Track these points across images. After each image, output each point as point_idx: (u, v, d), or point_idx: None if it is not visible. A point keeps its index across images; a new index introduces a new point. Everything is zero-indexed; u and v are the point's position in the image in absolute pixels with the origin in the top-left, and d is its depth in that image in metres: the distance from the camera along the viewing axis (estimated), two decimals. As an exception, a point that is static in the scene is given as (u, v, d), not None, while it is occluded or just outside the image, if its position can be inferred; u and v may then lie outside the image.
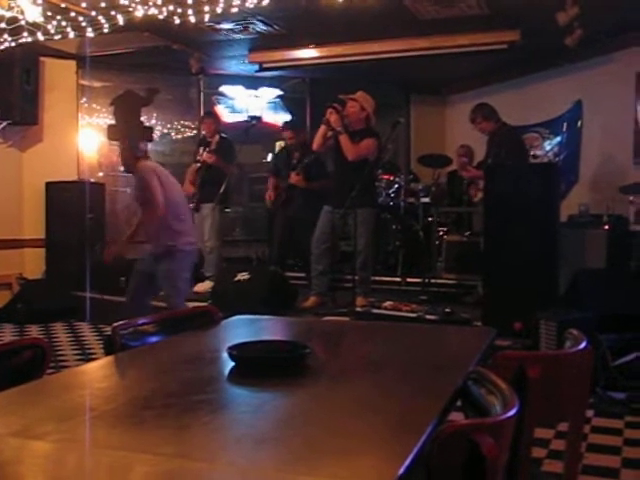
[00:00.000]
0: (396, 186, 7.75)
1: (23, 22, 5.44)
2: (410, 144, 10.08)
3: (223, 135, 7.49)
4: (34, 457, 1.31)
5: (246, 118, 9.08)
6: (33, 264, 7.93)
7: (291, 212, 7.29)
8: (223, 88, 9.32)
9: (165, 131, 9.17)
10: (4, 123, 7.49)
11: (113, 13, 5.50)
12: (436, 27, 6.94)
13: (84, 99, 8.40)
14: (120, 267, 7.38)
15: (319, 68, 8.32)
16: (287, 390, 1.74)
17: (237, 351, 1.90)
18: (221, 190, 7.05)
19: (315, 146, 6.19)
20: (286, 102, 9.61)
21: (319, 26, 6.92)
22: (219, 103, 9.33)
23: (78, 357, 5.64)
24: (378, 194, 7.44)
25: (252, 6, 5.47)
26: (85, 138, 8.44)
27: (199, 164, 7.30)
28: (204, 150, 7.31)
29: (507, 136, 6.17)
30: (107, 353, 2.12)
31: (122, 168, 4.85)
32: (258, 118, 8.56)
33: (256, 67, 8.35)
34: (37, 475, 1.23)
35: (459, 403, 1.63)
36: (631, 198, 6.27)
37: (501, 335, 2.73)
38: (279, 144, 8.39)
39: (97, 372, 2.01)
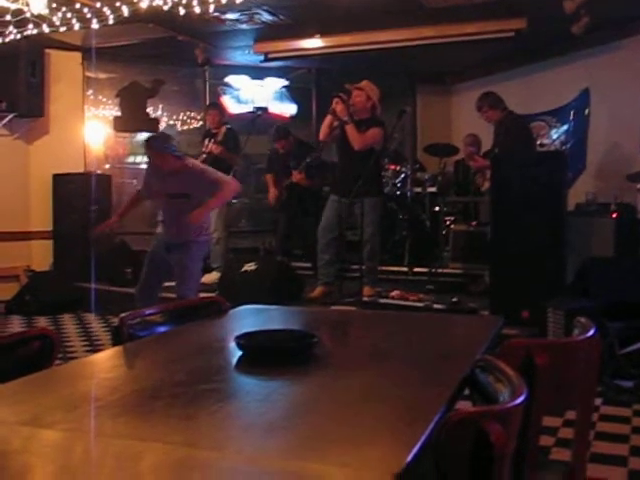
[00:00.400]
0: (402, 176, 7.74)
1: (28, 14, 5.44)
2: (416, 133, 10.05)
3: (228, 126, 7.49)
4: (43, 446, 1.32)
5: (252, 109, 9.05)
6: (40, 256, 7.95)
7: (292, 211, 7.38)
8: (229, 79, 9.30)
9: (171, 122, 9.16)
10: (10, 115, 7.50)
11: (118, 4, 5.49)
12: (442, 15, 6.91)
13: (90, 91, 8.40)
14: (126, 258, 7.43)
15: (325, 58, 8.30)
16: (295, 379, 1.74)
17: (245, 340, 1.90)
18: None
19: (321, 136, 6.17)
20: (292, 92, 9.59)
21: (325, 16, 6.90)
22: (225, 94, 9.31)
23: (86, 348, 5.66)
24: (385, 184, 7.44)
25: (257, -4, 5.46)
26: (91, 130, 8.45)
27: (205, 155, 7.30)
28: (209, 141, 7.32)
29: (514, 125, 6.14)
30: (115, 343, 2.13)
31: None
32: (264, 109, 8.54)
33: (261, 57, 8.32)
34: (46, 464, 1.24)
35: (467, 392, 1.63)
36: (639, 186, 6.24)
37: (508, 324, 2.73)
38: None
39: (105, 362, 2.01)
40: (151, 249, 5.14)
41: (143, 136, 8.84)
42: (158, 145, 4.89)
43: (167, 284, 5.23)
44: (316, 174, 7.34)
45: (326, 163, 7.39)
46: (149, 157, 5.14)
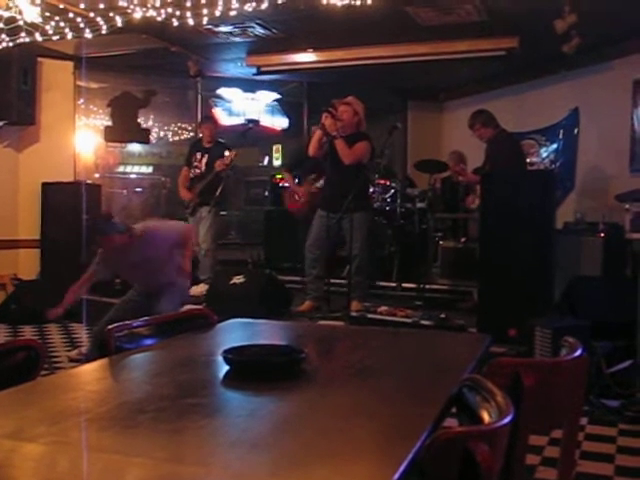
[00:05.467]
0: (392, 191, 7.75)
1: (21, 22, 5.43)
2: (407, 149, 10.09)
3: (221, 140, 7.49)
4: (26, 459, 1.31)
5: (243, 121, 9.08)
6: (28, 265, 7.91)
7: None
8: (221, 91, 9.31)
9: (162, 133, 9.15)
10: (1, 123, 7.49)
11: (111, 14, 5.49)
12: (435, 33, 6.96)
13: (81, 100, 8.39)
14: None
15: (317, 72, 8.33)
16: (282, 394, 1.73)
17: (232, 355, 1.90)
18: (217, 193, 7.05)
19: (311, 151, 6.17)
20: (284, 106, 9.61)
21: (317, 30, 6.93)
22: (216, 106, 9.32)
23: (72, 359, 5.62)
24: (374, 199, 7.45)
25: (251, 9, 5.47)
26: (82, 139, 8.43)
27: (198, 171, 7.28)
28: (202, 157, 7.30)
29: (505, 143, 6.18)
30: (100, 355, 2.11)
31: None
32: (255, 121, 8.56)
33: (254, 70, 8.35)
34: (29, 477, 1.23)
35: (454, 409, 1.63)
36: (627, 206, 6.27)
37: (496, 341, 2.73)
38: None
39: (91, 374, 2.00)
40: (129, 297, 5.03)
41: (134, 146, 8.88)
42: (101, 229, 4.71)
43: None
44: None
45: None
46: (98, 245, 4.89)
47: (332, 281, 6.10)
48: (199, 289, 6.96)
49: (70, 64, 8.14)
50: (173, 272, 4.96)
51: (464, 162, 7.50)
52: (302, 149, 7.43)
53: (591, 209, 6.89)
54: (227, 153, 7.14)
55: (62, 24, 5.65)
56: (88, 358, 4.59)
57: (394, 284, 7.16)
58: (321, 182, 7.04)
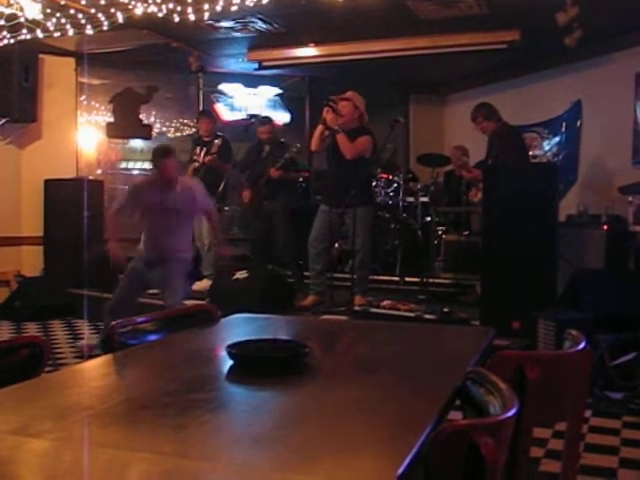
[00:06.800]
0: (395, 185, 7.75)
1: (22, 19, 5.43)
2: (409, 143, 10.07)
3: (219, 133, 7.49)
4: (32, 455, 1.31)
5: (245, 116, 9.06)
6: (31, 261, 7.92)
7: (271, 207, 7.25)
8: (222, 86, 9.30)
9: (164, 129, 9.15)
10: (3, 120, 7.48)
11: (112, 10, 5.48)
12: (436, 26, 6.94)
13: (83, 97, 8.39)
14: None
15: (318, 67, 8.32)
16: (286, 389, 1.73)
17: (236, 350, 1.90)
18: (219, 189, 7.05)
19: (313, 146, 6.16)
20: (285, 101, 9.59)
21: (319, 25, 6.91)
22: (218, 101, 9.31)
23: (76, 355, 5.63)
24: (377, 193, 7.45)
25: (252, 4, 5.46)
26: (84, 136, 8.43)
27: (197, 164, 7.29)
28: (201, 150, 7.31)
29: (508, 136, 6.16)
30: (104, 351, 2.11)
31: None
32: (257, 117, 8.54)
33: (255, 65, 8.34)
34: (34, 473, 1.23)
35: (458, 402, 1.63)
36: (630, 198, 6.27)
37: (499, 334, 2.73)
38: None
39: (95, 370, 2.00)
40: (131, 266, 5.15)
41: (136, 142, 8.88)
42: (164, 152, 4.97)
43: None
44: (292, 168, 7.37)
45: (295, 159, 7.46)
46: (157, 167, 5.07)
47: (335, 275, 6.10)
48: (202, 285, 6.96)
49: (72, 60, 8.13)
50: (185, 242, 5.10)
51: (467, 156, 7.48)
52: (256, 143, 7.48)
53: (594, 202, 6.88)
54: (216, 141, 7.17)
55: (63, 20, 5.65)
56: (104, 333, 4.80)
57: (397, 278, 7.16)
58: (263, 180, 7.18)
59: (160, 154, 5.01)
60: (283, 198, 7.24)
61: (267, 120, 7.61)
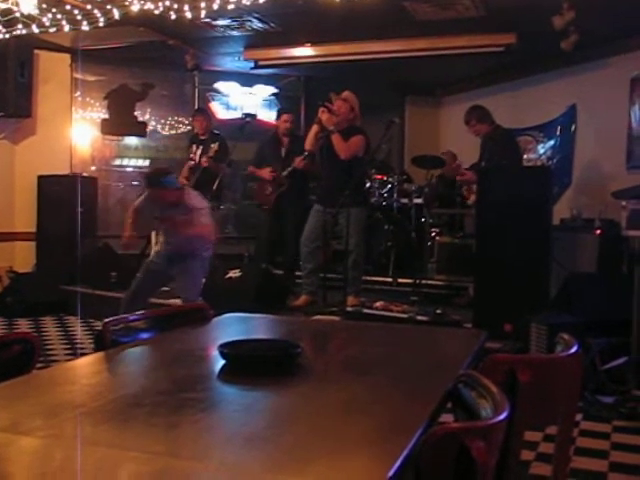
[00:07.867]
0: (389, 186, 7.75)
1: (18, 14, 5.41)
2: (404, 144, 10.07)
3: (216, 132, 7.50)
4: (22, 453, 1.31)
5: (240, 115, 9.05)
6: (23, 257, 7.90)
7: (288, 207, 7.16)
8: (218, 85, 9.29)
9: (159, 127, 9.13)
10: (-3, 115, 7.46)
11: (109, 7, 5.47)
12: (433, 28, 6.94)
13: (78, 93, 8.37)
14: (110, 262, 7.39)
15: (314, 66, 8.31)
16: (278, 389, 1.73)
17: (228, 349, 1.89)
18: (214, 188, 7.04)
19: (307, 145, 6.21)
20: (281, 100, 9.59)
21: (315, 24, 6.91)
22: (214, 100, 9.31)
23: (68, 352, 5.62)
24: (371, 194, 7.45)
25: (248, 3, 5.46)
26: (78, 132, 8.41)
27: (192, 163, 7.30)
28: (197, 148, 7.32)
29: (501, 139, 6.17)
30: (97, 349, 2.11)
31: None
32: (253, 116, 8.53)
33: (251, 64, 8.33)
34: (25, 471, 1.23)
35: (449, 405, 1.63)
36: (623, 203, 6.25)
37: (491, 337, 2.73)
38: None
39: (87, 368, 2.00)
40: (150, 259, 5.24)
41: (131, 139, 8.86)
42: (156, 182, 4.95)
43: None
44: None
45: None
46: (148, 193, 5.12)
47: (328, 276, 6.10)
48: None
49: (67, 56, 8.12)
50: (202, 241, 5.14)
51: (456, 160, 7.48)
52: (262, 147, 7.42)
53: (588, 206, 6.89)
54: (212, 145, 7.16)
55: (59, 16, 5.64)
56: None
57: (390, 279, 7.17)
58: (289, 170, 7.04)
59: (147, 184, 5.07)
60: (299, 199, 7.12)
61: (287, 110, 7.60)
